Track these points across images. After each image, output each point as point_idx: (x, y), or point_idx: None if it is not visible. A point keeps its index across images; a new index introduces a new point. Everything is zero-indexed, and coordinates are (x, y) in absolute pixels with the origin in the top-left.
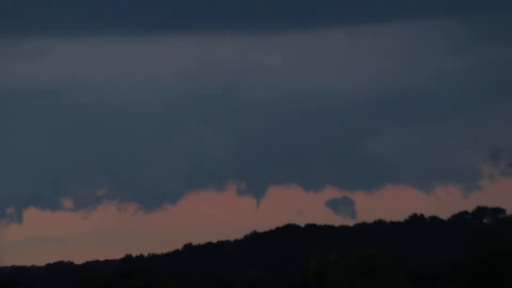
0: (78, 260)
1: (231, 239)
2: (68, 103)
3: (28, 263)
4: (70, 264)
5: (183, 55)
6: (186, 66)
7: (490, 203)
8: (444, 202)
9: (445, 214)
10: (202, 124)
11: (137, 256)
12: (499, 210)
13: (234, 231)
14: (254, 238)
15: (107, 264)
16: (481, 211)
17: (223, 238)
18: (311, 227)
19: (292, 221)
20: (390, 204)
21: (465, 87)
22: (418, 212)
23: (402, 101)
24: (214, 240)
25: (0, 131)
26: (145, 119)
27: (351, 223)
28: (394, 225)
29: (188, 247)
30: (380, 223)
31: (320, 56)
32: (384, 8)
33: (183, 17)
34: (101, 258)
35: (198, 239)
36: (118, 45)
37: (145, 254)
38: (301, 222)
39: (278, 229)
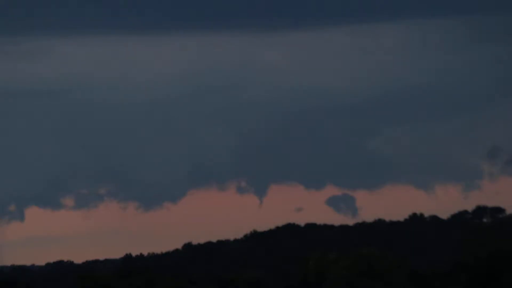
0: (78, 259)
1: (231, 238)
2: (69, 102)
3: (28, 262)
4: (70, 264)
5: (183, 55)
6: (186, 66)
7: (490, 203)
8: (444, 202)
9: (445, 213)
10: (203, 123)
11: (137, 256)
12: (499, 210)
13: (235, 230)
14: (254, 238)
15: (107, 263)
16: (481, 210)
17: (224, 237)
18: (311, 226)
19: (293, 219)
20: (390, 203)
21: (465, 86)
22: (418, 211)
23: (402, 101)
24: (214, 240)
25: (1, 131)
26: (145, 118)
27: (351, 222)
28: (394, 224)
29: (188, 246)
30: (380, 223)
31: (321, 55)
32: (384, 8)
33: (183, 17)
34: (101, 257)
35: (199, 238)
36: (118, 45)
37: (145, 253)
38: (302, 220)
39: (278, 228)
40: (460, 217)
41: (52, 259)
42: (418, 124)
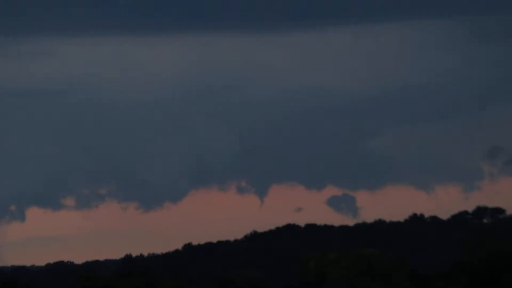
0: (78, 260)
1: (231, 239)
2: (69, 102)
3: (28, 263)
4: (70, 264)
5: (183, 55)
6: (187, 66)
7: (490, 203)
8: (444, 202)
9: (445, 214)
10: (203, 124)
11: (137, 256)
12: (499, 210)
13: (235, 230)
14: (254, 238)
15: (107, 264)
16: (481, 211)
17: (224, 237)
18: (311, 227)
19: (293, 219)
20: (391, 203)
21: (466, 87)
22: (418, 212)
23: (403, 101)
24: (214, 240)
25: (2, 131)
26: (146, 118)
27: (351, 222)
28: (394, 225)
29: (188, 247)
30: (380, 223)
31: (321, 55)
32: (384, 8)
33: (183, 17)
34: (101, 258)
35: (199, 238)
36: (118, 45)
37: (145, 254)
38: (302, 221)
39: (278, 229)
40: (460, 218)
41: (52, 259)
42: (418, 124)
